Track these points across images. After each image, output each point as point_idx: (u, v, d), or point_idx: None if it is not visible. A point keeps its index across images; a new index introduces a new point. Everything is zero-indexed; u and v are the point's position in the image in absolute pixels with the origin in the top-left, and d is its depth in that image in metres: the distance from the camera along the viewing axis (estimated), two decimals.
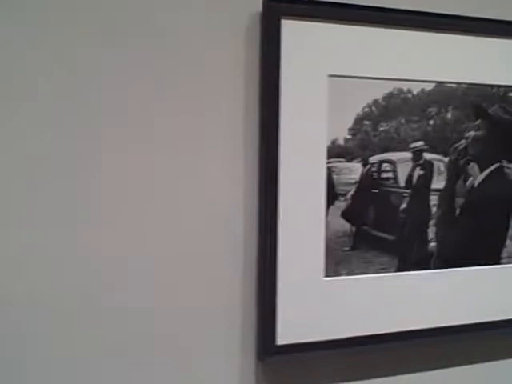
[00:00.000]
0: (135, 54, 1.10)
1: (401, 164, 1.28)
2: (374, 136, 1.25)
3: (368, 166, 1.25)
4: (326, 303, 1.25)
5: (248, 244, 1.20)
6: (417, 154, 1.29)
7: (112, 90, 1.09)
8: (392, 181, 1.27)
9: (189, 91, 1.14)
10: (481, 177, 1.35)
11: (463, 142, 1.34)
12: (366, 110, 1.23)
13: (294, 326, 1.22)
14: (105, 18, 1.07)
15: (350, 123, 1.24)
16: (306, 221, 1.21)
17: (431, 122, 1.31)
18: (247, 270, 1.21)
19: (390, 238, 1.27)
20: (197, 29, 1.14)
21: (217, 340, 1.20)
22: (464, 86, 1.32)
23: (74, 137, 1.06)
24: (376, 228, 1.27)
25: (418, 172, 1.30)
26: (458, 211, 1.35)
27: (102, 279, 1.10)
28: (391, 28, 1.24)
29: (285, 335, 1.20)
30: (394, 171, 1.27)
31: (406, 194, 1.29)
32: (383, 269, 1.28)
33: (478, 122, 1.34)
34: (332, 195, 1.23)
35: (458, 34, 1.31)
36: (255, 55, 1.18)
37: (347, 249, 1.25)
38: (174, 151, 1.14)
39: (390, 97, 1.25)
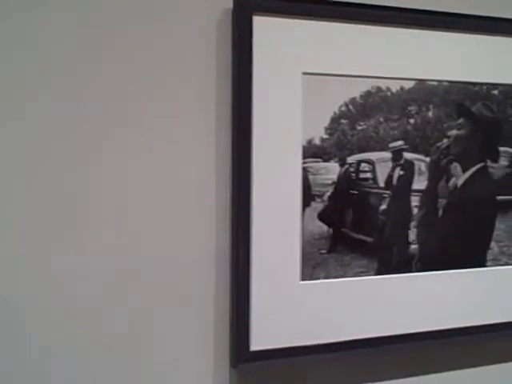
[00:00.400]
0: (109, 52, 1.10)
1: (380, 164, 1.27)
2: (352, 135, 1.24)
3: (346, 167, 1.24)
4: (302, 308, 1.23)
5: (220, 247, 1.19)
6: (397, 153, 1.28)
7: (88, 88, 1.09)
8: (371, 181, 1.26)
9: (158, 90, 1.14)
10: (464, 177, 1.34)
11: (445, 141, 1.33)
12: (343, 108, 1.22)
13: (269, 331, 1.20)
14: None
15: (326, 122, 1.23)
16: (280, 223, 1.20)
17: (411, 121, 1.30)
18: (220, 273, 1.20)
19: (369, 240, 1.26)
20: (167, 25, 1.13)
21: (189, 346, 1.19)
22: (446, 83, 1.31)
23: (48, 136, 1.05)
24: (354, 230, 1.26)
25: (398, 172, 1.29)
26: (440, 212, 1.34)
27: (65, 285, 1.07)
28: (369, 24, 1.24)
29: (259, 341, 1.19)
30: (373, 171, 1.26)
31: (385, 195, 1.29)
32: (362, 272, 1.27)
33: (461, 120, 1.33)
34: (308, 196, 1.22)
35: (440, 30, 1.30)
36: (227, 53, 1.17)
37: (324, 252, 1.24)
38: (145, 152, 1.14)
39: (367, 95, 1.24)
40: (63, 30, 1.05)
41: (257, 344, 1.19)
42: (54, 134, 1.06)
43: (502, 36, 1.36)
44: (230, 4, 1.15)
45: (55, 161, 1.06)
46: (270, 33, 1.17)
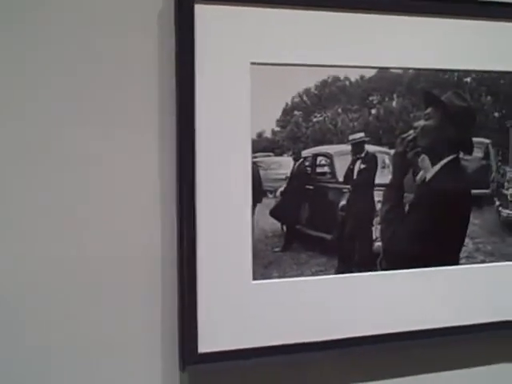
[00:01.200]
0: (46, 47, 1.11)
1: (339, 157, 1.26)
2: (307, 128, 1.23)
3: (300, 161, 1.23)
4: (255, 308, 1.23)
5: (167, 247, 1.19)
6: (357, 146, 1.27)
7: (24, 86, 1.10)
8: (329, 176, 1.25)
9: (99, 85, 1.14)
10: (433, 170, 1.32)
11: (411, 132, 1.31)
12: (297, 99, 1.22)
13: (219, 332, 1.21)
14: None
15: (277, 114, 1.22)
16: (229, 220, 1.20)
17: (373, 112, 1.28)
18: (167, 274, 1.20)
19: (328, 237, 1.26)
20: (107, 15, 1.14)
21: (137, 348, 1.20)
22: (411, 71, 1.28)
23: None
24: (311, 227, 1.25)
25: (359, 166, 1.28)
26: (407, 208, 1.32)
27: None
28: (323, 10, 1.22)
29: (208, 343, 1.20)
30: (331, 165, 1.26)
31: (345, 190, 1.28)
32: (321, 271, 1.26)
33: (429, 110, 1.31)
34: (259, 192, 1.21)
35: (404, 14, 1.29)
36: (170, 43, 1.16)
37: (278, 250, 1.23)
38: (84, 152, 1.14)
39: (323, 85, 1.23)
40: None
41: (205, 346, 1.19)
42: None
43: (473, 19, 1.33)
44: None
45: None
46: (214, 22, 1.16)
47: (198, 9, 1.15)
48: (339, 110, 1.25)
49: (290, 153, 1.22)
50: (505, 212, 1.36)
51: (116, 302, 1.17)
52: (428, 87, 1.31)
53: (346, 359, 1.31)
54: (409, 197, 1.32)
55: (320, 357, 1.26)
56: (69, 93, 1.12)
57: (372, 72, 1.28)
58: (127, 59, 1.15)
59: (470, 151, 1.35)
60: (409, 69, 1.30)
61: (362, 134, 1.27)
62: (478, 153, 1.36)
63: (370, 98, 1.28)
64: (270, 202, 1.23)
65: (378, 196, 1.30)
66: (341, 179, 1.28)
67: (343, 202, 1.28)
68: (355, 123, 1.26)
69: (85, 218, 1.14)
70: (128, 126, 1.15)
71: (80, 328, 1.15)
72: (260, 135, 1.19)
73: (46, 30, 1.10)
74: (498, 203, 1.38)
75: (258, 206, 1.21)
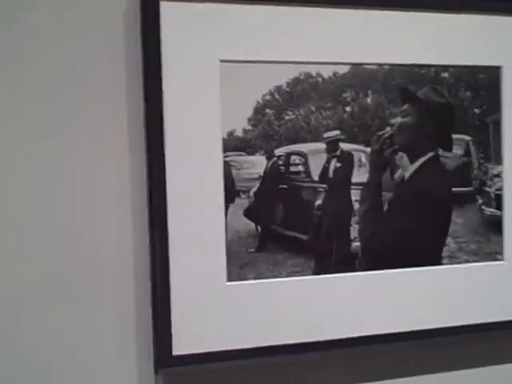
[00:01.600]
0: (9, 46, 1.12)
1: (313, 156, 1.26)
2: (279, 126, 1.24)
3: (274, 159, 1.23)
4: (230, 310, 1.23)
5: (139, 248, 1.20)
6: (332, 144, 1.27)
7: None
8: (303, 175, 1.25)
9: (64, 85, 1.15)
10: (412, 168, 1.32)
11: (388, 129, 1.30)
12: (268, 97, 1.22)
13: (194, 335, 1.21)
14: None
15: (249, 112, 1.22)
16: (202, 221, 1.20)
17: (348, 109, 1.29)
18: (139, 274, 1.20)
19: (304, 237, 1.26)
20: (72, 13, 1.15)
21: (110, 351, 1.20)
22: (386, 67, 1.28)
23: None
24: (286, 227, 1.26)
25: (334, 164, 1.27)
26: (385, 207, 1.31)
27: None
28: (293, 6, 1.22)
29: (182, 345, 1.20)
30: (306, 164, 1.26)
31: (321, 189, 1.28)
32: (297, 272, 1.25)
33: (406, 106, 1.31)
34: (232, 192, 1.22)
35: (377, 8, 1.29)
36: (136, 42, 1.17)
37: (253, 250, 1.23)
38: (55, 153, 1.15)
39: (295, 82, 1.24)
40: None
41: (179, 348, 1.20)
42: None
43: (449, 13, 1.33)
44: None
45: None
46: (181, 19, 1.17)
47: (164, 6, 1.16)
48: (312, 108, 1.25)
49: (263, 152, 1.23)
50: (488, 210, 1.35)
51: (89, 303, 1.17)
52: (404, 83, 1.31)
53: (324, 362, 1.31)
54: (387, 195, 1.32)
55: (298, 359, 1.25)
56: (33, 93, 1.13)
57: (345, 68, 1.28)
58: (93, 58, 1.16)
59: (449, 148, 1.35)
60: (383, 64, 1.30)
61: (336, 132, 1.27)
62: (458, 150, 1.36)
63: (344, 95, 1.28)
64: (243, 202, 1.23)
65: (355, 195, 1.30)
66: (316, 178, 1.27)
67: (319, 202, 1.28)
68: (329, 121, 1.26)
69: (50, 222, 1.15)
70: (93, 128, 1.16)
71: (53, 329, 1.16)
72: (231, 134, 1.20)
73: (8, 29, 1.11)
74: (480, 201, 1.38)
75: (231, 206, 1.21)
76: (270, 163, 1.23)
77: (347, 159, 1.28)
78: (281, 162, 1.24)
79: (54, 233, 1.14)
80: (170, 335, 1.19)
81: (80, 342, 1.17)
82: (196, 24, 1.18)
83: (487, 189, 1.38)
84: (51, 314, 1.15)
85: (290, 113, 1.24)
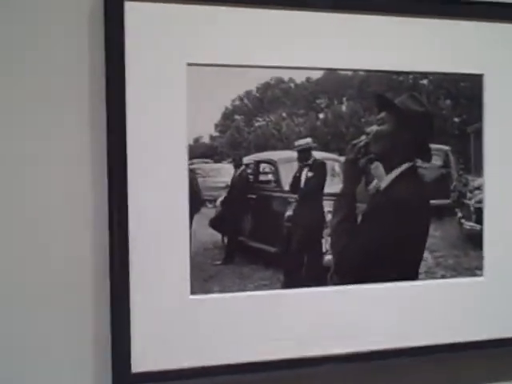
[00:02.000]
0: None
1: (283, 165, 1.24)
2: (249, 133, 1.22)
3: (242, 168, 1.21)
4: (193, 325, 1.20)
5: (98, 259, 1.18)
6: (304, 152, 1.25)
7: None
8: (273, 184, 1.23)
9: (27, 85, 1.13)
10: (388, 179, 1.30)
11: (363, 138, 1.28)
12: (237, 103, 1.20)
13: (155, 351, 1.19)
14: None
15: (216, 118, 1.20)
16: (165, 231, 1.18)
17: (321, 116, 1.26)
18: (98, 286, 1.18)
19: (273, 249, 1.23)
20: (36, 13, 1.13)
21: (66, 369, 1.17)
22: (362, 73, 1.25)
23: None
24: (254, 238, 1.24)
25: (306, 174, 1.25)
26: (359, 218, 1.28)
27: None
28: (265, 8, 1.20)
29: (142, 362, 1.17)
30: (276, 173, 1.23)
31: (291, 200, 1.25)
32: (265, 285, 1.23)
33: (382, 114, 1.29)
34: (197, 201, 1.19)
35: (352, 12, 1.27)
36: (100, 43, 1.14)
37: (219, 263, 1.21)
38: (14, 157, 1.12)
39: (266, 87, 1.21)
40: None
41: (139, 366, 1.17)
42: None
43: (430, 17, 1.31)
44: None
45: None
46: (147, 20, 1.15)
47: (129, 6, 1.14)
48: (284, 114, 1.23)
49: (231, 159, 1.21)
50: (467, 224, 1.33)
51: (45, 317, 1.15)
52: (380, 90, 1.29)
53: (293, 380, 1.27)
54: (361, 207, 1.30)
55: (265, 378, 1.22)
56: None
57: (319, 73, 1.26)
58: (57, 60, 1.14)
59: (427, 159, 1.33)
60: (359, 70, 1.28)
61: (308, 140, 1.25)
62: (436, 160, 1.34)
63: (318, 102, 1.26)
64: (209, 211, 1.20)
65: (327, 206, 1.27)
66: (286, 188, 1.25)
67: (289, 213, 1.25)
68: (301, 128, 1.24)
69: (11, 230, 1.12)
70: (53, 136, 1.15)
71: (8, 346, 1.14)
72: (197, 140, 1.18)
73: None
74: (460, 214, 1.35)
75: (196, 216, 1.19)
76: (238, 172, 1.21)
77: (320, 168, 1.26)
78: (249, 171, 1.22)
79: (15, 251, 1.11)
80: (129, 351, 1.16)
81: (35, 359, 1.15)
82: (163, 25, 1.15)
83: (467, 201, 1.36)
84: (6, 329, 1.13)
85: (260, 119, 1.22)
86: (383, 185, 1.30)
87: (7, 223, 1.12)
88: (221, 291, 1.21)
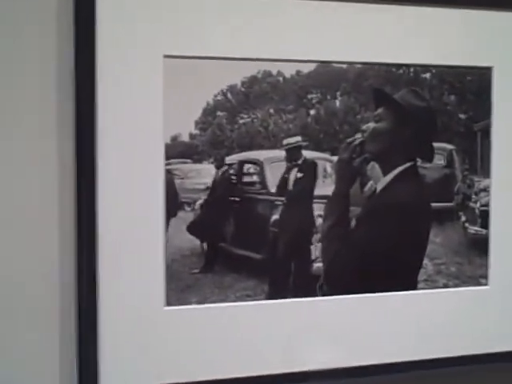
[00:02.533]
0: None
1: (270, 165, 1.20)
2: (232, 130, 1.16)
3: (224, 168, 1.17)
4: (168, 339, 1.15)
5: (65, 268, 1.12)
6: (293, 151, 1.20)
7: None
8: (258, 186, 1.20)
9: None
10: (385, 180, 1.25)
11: (359, 136, 1.23)
12: (220, 98, 1.15)
13: (126, 368, 1.13)
14: None
15: (197, 115, 1.15)
16: (137, 237, 1.12)
17: (312, 112, 1.21)
18: (64, 297, 1.12)
19: (257, 257, 1.19)
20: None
21: None
22: (358, 66, 1.21)
23: None
24: (237, 245, 1.19)
25: (295, 174, 1.21)
26: (353, 223, 1.24)
27: None
28: None
29: (112, 380, 1.12)
30: (261, 174, 1.20)
31: (279, 203, 1.20)
32: (248, 296, 1.18)
33: (380, 110, 1.23)
34: (174, 204, 1.14)
35: (350, 1, 1.19)
36: (69, 33, 1.08)
37: (197, 271, 1.16)
38: None
39: (252, 81, 1.17)
40: None
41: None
42: None
43: (433, 6, 1.24)
44: None
45: None
46: (120, 7, 1.09)
47: None
48: (271, 111, 1.18)
49: (212, 159, 1.16)
50: (472, 228, 1.28)
51: (8, 329, 1.10)
52: (378, 84, 1.23)
53: None
54: (355, 211, 1.24)
55: None
56: None
57: (311, 66, 1.19)
58: (23, 56, 1.08)
59: (429, 158, 1.27)
60: (355, 63, 1.22)
61: (298, 138, 1.19)
62: (439, 160, 1.29)
63: (309, 97, 1.21)
64: (187, 215, 1.15)
65: (318, 209, 1.22)
66: (273, 190, 1.20)
67: (276, 217, 1.20)
68: (290, 125, 1.19)
69: None
70: (17, 136, 1.09)
71: None
72: (175, 139, 1.12)
73: None
74: (463, 218, 1.30)
75: (173, 220, 1.13)
76: (220, 172, 1.16)
77: (310, 169, 1.21)
78: (232, 172, 1.17)
79: None
80: (96, 370, 1.11)
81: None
82: (137, 14, 1.09)
83: (472, 204, 1.31)
84: None
85: (245, 116, 1.17)
86: (380, 187, 1.25)
87: None
88: (199, 302, 1.16)
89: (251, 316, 1.18)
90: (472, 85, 1.28)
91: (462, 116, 1.28)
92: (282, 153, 1.18)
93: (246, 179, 1.19)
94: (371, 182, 1.24)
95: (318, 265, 1.22)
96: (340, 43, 1.19)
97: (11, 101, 1.07)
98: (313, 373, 1.21)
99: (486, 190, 1.30)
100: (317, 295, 1.22)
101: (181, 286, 1.14)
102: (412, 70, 1.24)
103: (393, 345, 1.26)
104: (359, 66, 1.21)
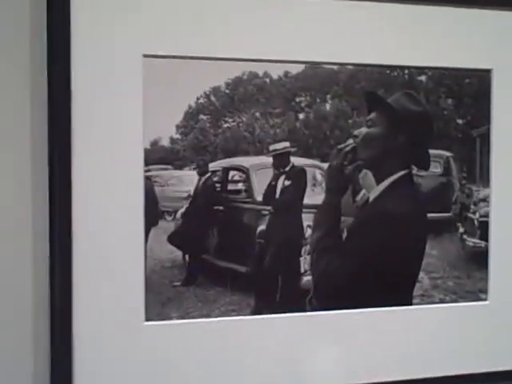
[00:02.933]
0: None
1: (256, 172, 1.17)
2: (215, 135, 1.13)
3: (207, 175, 1.14)
4: (148, 356, 1.11)
5: (38, 282, 1.08)
6: (280, 158, 1.17)
7: None
8: (244, 194, 1.17)
9: None
10: (378, 189, 1.22)
11: (350, 142, 1.19)
12: (203, 100, 1.12)
13: None
14: None
15: (178, 118, 1.11)
16: (115, 248, 1.08)
17: (301, 116, 1.18)
18: (38, 311, 1.08)
19: (243, 269, 1.16)
20: None
21: None
22: (350, 67, 1.18)
23: None
24: (220, 257, 1.16)
25: (282, 182, 1.17)
26: (344, 234, 1.20)
27: None
28: None
29: None
30: (247, 182, 1.16)
31: (265, 212, 1.17)
32: (233, 311, 1.15)
33: (373, 115, 1.20)
34: (154, 214, 1.11)
35: None
36: (42, 33, 1.05)
37: (178, 284, 1.13)
38: None
39: (237, 83, 1.14)
40: None
41: None
42: None
43: (430, 5, 1.21)
44: None
45: None
46: (97, 6, 1.06)
47: None
48: (257, 114, 1.15)
49: (194, 166, 1.12)
50: (470, 240, 1.24)
51: None
52: (371, 87, 1.20)
53: None
54: (347, 221, 1.21)
55: None
56: None
57: (299, 68, 1.16)
58: None
59: (425, 166, 1.24)
60: (346, 64, 1.18)
61: (286, 144, 1.16)
62: (436, 168, 1.25)
63: (297, 100, 1.17)
64: (168, 225, 1.12)
65: (307, 220, 1.19)
66: (259, 198, 1.17)
67: (262, 227, 1.17)
68: (278, 130, 1.15)
69: None
70: None
71: None
72: (155, 144, 1.09)
73: None
74: (462, 230, 1.27)
75: (153, 230, 1.10)
76: (203, 180, 1.13)
77: (299, 176, 1.18)
78: (216, 179, 1.14)
79: None
80: None
81: None
82: (114, 12, 1.06)
83: (470, 215, 1.27)
84: None
85: (230, 120, 1.14)
86: (373, 196, 1.21)
87: None
88: (180, 317, 1.12)
89: (236, 332, 1.15)
90: (470, 88, 1.25)
91: (459, 121, 1.25)
92: (268, 159, 1.15)
93: (231, 187, 1.16)
94: (364, 191, 1.21)
95: (307, 278, 1.19)
96: (331, 43, 1.16)
97: None
98: None
99: (485, 199, 1.27)
100: (306, 310, 1.18)
101: (161, 300, 1.11)
102: (407, 72, 1.21)
103: (386, 363, 1.22)
104: (351, 67, 1.18)
